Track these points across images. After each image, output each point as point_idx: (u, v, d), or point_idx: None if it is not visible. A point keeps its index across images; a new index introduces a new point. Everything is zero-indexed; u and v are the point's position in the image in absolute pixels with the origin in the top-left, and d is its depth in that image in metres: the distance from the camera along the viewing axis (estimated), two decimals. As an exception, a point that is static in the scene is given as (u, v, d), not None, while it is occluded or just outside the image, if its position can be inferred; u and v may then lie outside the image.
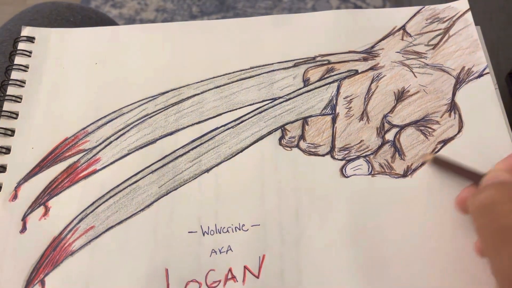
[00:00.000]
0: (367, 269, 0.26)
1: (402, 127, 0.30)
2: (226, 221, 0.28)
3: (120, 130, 0.31)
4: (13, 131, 0.30)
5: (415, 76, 0.32)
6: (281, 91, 0.32)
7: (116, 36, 0.34)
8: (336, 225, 0.27)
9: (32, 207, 0.28)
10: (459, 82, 0.32)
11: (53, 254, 0.27)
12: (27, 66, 0.33)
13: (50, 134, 0.30)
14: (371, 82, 0.32)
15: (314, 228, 0.27)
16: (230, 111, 0.31)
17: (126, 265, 0.26)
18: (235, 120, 0.31)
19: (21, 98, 0.32)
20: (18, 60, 0.33)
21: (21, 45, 0.33)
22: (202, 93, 0.32)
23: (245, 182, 0.29)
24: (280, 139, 0.30)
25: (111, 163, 0.30)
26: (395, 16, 0.35)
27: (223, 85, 0.32)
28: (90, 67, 0.33)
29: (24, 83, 0.32)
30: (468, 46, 0.33)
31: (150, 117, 0.31)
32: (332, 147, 0.30)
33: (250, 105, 0.32)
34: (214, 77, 0.33)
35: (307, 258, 0.26)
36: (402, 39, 0.34)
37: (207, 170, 0.29)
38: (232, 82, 0.32)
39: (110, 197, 0.28)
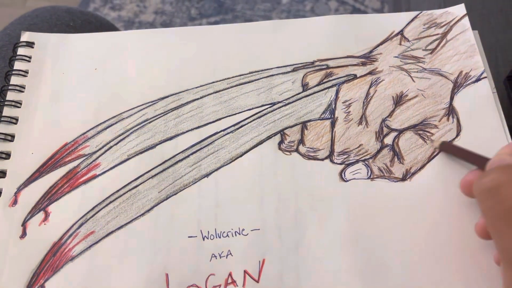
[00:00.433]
0: (366, 272, 0.26)
1: (400, 131, 0.31)
2: (226, 226, 0.28)
3: (120, 135, 0.31)
4: (13, 137, 0.30)
5: (413, 80, 0.32)
6: (280, 95, 0.32)
7: (116, 42, 0.34)
8: (335, 229, 0.27)
9: (32, 213, 0.28)
10: (457, 86, 0.32)
11: (53, 260, 0.27)
12: (26, 71, 0.33)
13: (50, 140, 0.30)
14: (370, 87, 0.32)
15: (314, 232, 0.27)
16: (230, 116, 0.31)
17: (126, 270, 0.26)
18: (234, 125, 0.31)
19: (20, 104, 0.32)
20: (17, 65, 0.33)
21: (21, 50, 0.34)
22: (201, 98, 0.32)
23: (245, 186, 0.29)
24: (280, 143, 0.30)
25: (111, 168, 0.30)
26: (393, 21, 0.35)
27: (222, 90, 0.32)
28: (90, 73, 0.33)
29: (24, 88, 0.32)
30: (465, 50, 0.33)
31: (149, 122, 0.31)
32: (331, 151, 0.30)
33: (250, 109, 0.32)
34: (213, 82, 0.33)
35: (307, 262, 0.26)
36: (400, 44, 0.34)
37: (207, 175, 0.29)
38: (232, 87, 0.33)
39: (110, 202, 0.28)
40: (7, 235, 0.27)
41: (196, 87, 0.32)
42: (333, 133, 0.31)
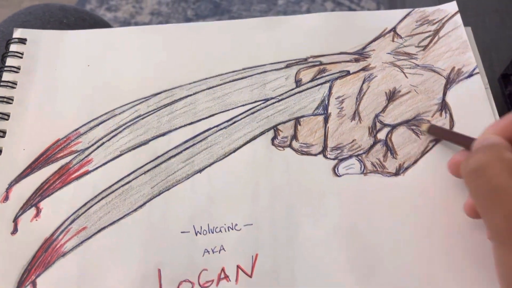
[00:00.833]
0: (360, 266, 0.26)
1: (393, 127, 0.31)
2: (219, 221, 0.28)
3: (112, 131, 0.31)
4: (4, 133, 0.30)
5: (406, 76, 0.32)
6: (273, 91, 0.32)
7: (109, 38, 0.34)
8: (328, 223, 0.27)
9: (24, 209, 0.28)
10: (450, 82, 0.32)
11: (45, 255, 0.26)
12: (18, 68, 0.33)
13: (42, 136, 0.30)
14: (363, 83, 0.32)
15: (307, 227, 0.27)
16: (223, 111, 0.31)
17: (118, 266, 0.26)
18: (228, 121, 0.31)
19: (12, 100, 0.31)
20: (9, 61, 0.33)
21: (13, 47, 0.33)
22: (194, 94, 0.32)
23: (238, 182, 0.29)
24: (273, 139, 0.30)
25: (104, 164, 0.29)
26: (386, 18, 0.35)
27: (215, 86, 0.32)
28: (82, 69, 0.33)
29: (16, 84, 0.32)
30: (457, 47, 0.33)
31: (142, 118, 0.31)
32: (325, 146, 0.30)
33: (243, 105, 0.32)
34: (206, 78, 0.33)
35: (300, 257, 0.26)
36: (393, 41, 0.34)
37: (200, 171, 0.29)
38: (225, 83, 0.33)
39: (103, 198, 0.28)
40: (-1, 231, 0.27)
41: (189, 83, 0.32)
42: (326, 129, 0.31)
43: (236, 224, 0.27)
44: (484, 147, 0.22)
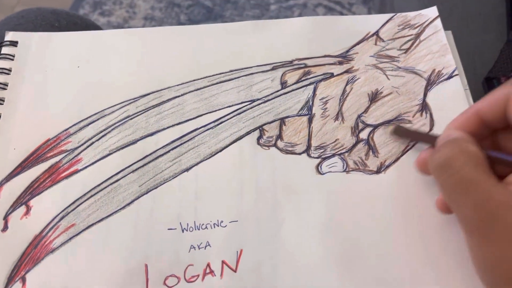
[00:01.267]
0: (342, 261, 0.27)
1: (375, 126, 0.32)
2: (205, 218, 0.28)
3: (102, 131, 0.31)
4: (-5, 133, 0.31)
5: (388, 78, 0.33)
6: (259, 93, 0.33)
7: (98, 40, 0.35)
8: (312, 220, 0.28)
9: (14, 207, 0.28)
10: (430, 83, 0.33)
11: (34, 252, 0.27)
12: (10, 69, 0.33)
13: (32, 135, 0.31)
14: (346, 84, 0.33)
15: (291, 223, 0.28)
16: (210, 112, 0.32)
17: (106, 261, 0.27)
18: (214, 121, 0.32)
19: (3, 100, 0.32)
20: (1, 63, 0.33)
21: (5, 49, 0.34)
22: (182, 95, 0.33)
23: (224, 180, 0.30)
24: (258, 138, 0.31)
25: (93, 163, 0.30)
26: (369, 23, 0.36)
27: (203, 88, 0.33)
28: (72, 70, 0.34)
29: (7, 86, 0.33)
30: (438, 50, 0.34)
31: (131, 119, 0.32)
32: (308, 146, 0.31)
33: (230, 106, 0.33)
34: (194, 80, 0.34)
35: (283, 252, 0.27)
36: (376, 44, 0.35)
37: (187, 169, 0.30)
38: (212, 84, 0.33)
39: (91, 195, 0.29)
40: (-11, 229, 0.28)
41: (177, 85, 0.33)
42: (310, 129, 0.31)
43: (222, 221, 0.28)
44: (447, 142, 0.23)
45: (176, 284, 0.26)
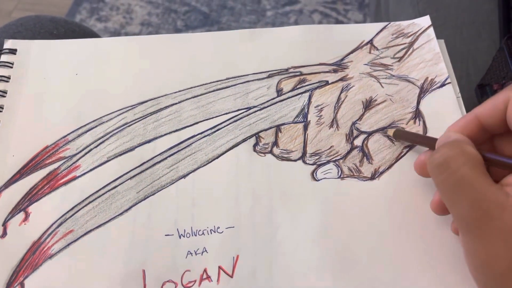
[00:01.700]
0: (336, 266, 0.27)
1: (370, 134, 0.32)
2: (202, 224, 0.29)
3: (100, 138, 0.32)
4: (-6, 140, 0.31)
5: (382, 86, 0.34)
6: (255, 100, 0.34)
7: (97, 48, 0.36)
8: (307, 226, 0.29)
9: (13, 213, 0.29)
10: (423, 91, 0.34)
11: (33, 258, 0.27)
12: (9, 77, 0.34)
13: (31, 142, 0.31)
14: (341, 92, 0.34)
15: (286, 229, 0.29)
16: (207, 119, 0.33)
17: (104, 267, 0.27)
18: (211, 128, 0.32)
19: (2, 108, 0.32)
20: (0, 71, 0.34)
21: (4, 57, 0.35)
22: (180, 102, 0.33)
23: (221, 186, 0.30)
24: (255, 145, 0.32)
25: (91, 169, 0.31)
26: (363, 31, 0.37)
27: (200, 95, 0.34)
28: (71, 78, 0.34)
29: (6, 93, 0.33)
30: (431, 58, 0.35)
31: (129, 126, 0.32)
32: (304, 152, 0.31)
33: (226, 113, 0.33)
34: (191, 87, 0.34)
35: (279, 257, 0.28)
36: (370, 52, 0.36)
37: (184, 176, 0.30)
38: (209, 92, 0.34)
39: (89, 202, 0.29)
40: (-13, 235, 0.28)
41: (174, 92, 0.34)
42: (306, 136, 0.32)
43: (218, 227, 0.29)
44: (447, 143, 0.23)
45: (173, 290, 0.27)
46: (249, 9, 1.23)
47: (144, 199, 0.30)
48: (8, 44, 0.35)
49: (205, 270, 0.27)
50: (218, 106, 0.33)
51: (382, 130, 0.32)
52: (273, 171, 0.31)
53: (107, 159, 0.31)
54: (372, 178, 0.30)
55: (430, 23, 0.37)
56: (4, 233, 0.28)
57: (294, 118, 0.33)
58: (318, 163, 0.31)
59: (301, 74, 0.35)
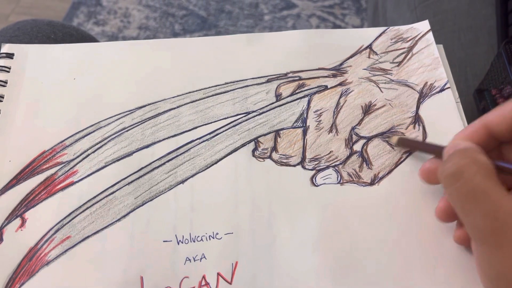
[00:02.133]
0: (337, 272, 0.27)
1: (369, 139, 0.32)
2: (201, 230, 0.28)
3: (97, 143, 0.31)
4: (-9, 145, 0.31)
5: (381, 91, 0.34)
6: (254, 105, 0.34)
7: (94, 52, 0.35)
8: (307, 232, 0.28)
9: (9, 219, 0.28)
10: (423, 96, 0.34)
11: (29, 264, 0.27)
12: (5, 82, 0.33)
13: (28, 148, 0.31)
14: (340, 97, 0.34)
15: (286, 235, 0.28)
16: (206, 124, 0.33)
17: (101, 274, 0.27)
18: (210, 133, 0.32)
19: (-1, 113, 0.32)
20: (-3, 76, 0.34)
21: (1, 62, 0.34)
22: (178, 107, 0.33)
23: (220, 192, 0.30)
24: (254, 150, 0.31)
25: (88, 175, 0.30)
26: (362, 36, 0.37)
27: (199, 100, 0.34)
28: (68, 82, 0.34)
29: (3, 97, 0.33)
30: (430, 63, 0.35)
31: (127, 131, 0.32)
32: (303, 158, 0.31)
33: (225, 118, 0.33)
34: (190, 92, 0.34)
35: (279, 264, 0.27)
36: (369, 57, 0.36)
37: (183, 181, 0.30)
38: (208, 96, 0.34)
39: (87, 208, 0.29)
40: (-17, 241, 0.28)
41: (173, 97, 0.34)
42: (305, 141, 0.32)
43: (217, 233, 0.28)
44: (458, 152, 0.23)
45: (171, 297, 0.26)
46: (246, 13, 1.23)
47: (142, 204, 0.29)
48: (5, 48, 0.35)
49: (203, 277, 0.27)
50: (217, 111, 0.33)
51: (382, 135, 0.32)
52: (272, 176, 0.30)
53: (105, 165, 0.31)
54: (372, 183, 0.30)
55: (429, 27, 0.37)
56: (1, 239, 0.28)
57: (293, 123, 0.33)
58: (318, 168, 0.31)
59: (300, 78, 0.35)
